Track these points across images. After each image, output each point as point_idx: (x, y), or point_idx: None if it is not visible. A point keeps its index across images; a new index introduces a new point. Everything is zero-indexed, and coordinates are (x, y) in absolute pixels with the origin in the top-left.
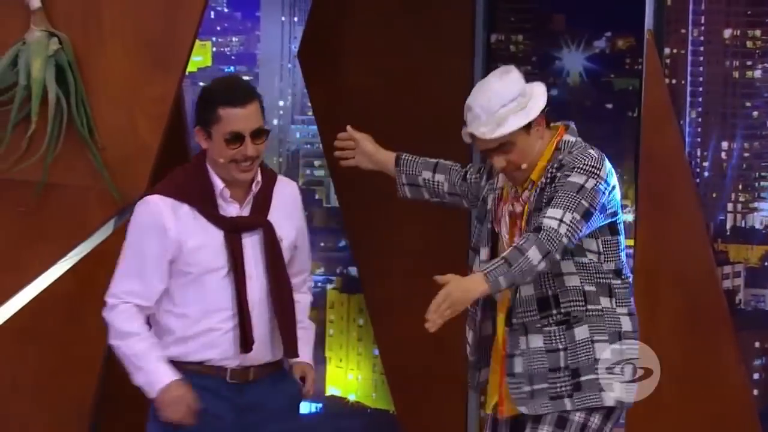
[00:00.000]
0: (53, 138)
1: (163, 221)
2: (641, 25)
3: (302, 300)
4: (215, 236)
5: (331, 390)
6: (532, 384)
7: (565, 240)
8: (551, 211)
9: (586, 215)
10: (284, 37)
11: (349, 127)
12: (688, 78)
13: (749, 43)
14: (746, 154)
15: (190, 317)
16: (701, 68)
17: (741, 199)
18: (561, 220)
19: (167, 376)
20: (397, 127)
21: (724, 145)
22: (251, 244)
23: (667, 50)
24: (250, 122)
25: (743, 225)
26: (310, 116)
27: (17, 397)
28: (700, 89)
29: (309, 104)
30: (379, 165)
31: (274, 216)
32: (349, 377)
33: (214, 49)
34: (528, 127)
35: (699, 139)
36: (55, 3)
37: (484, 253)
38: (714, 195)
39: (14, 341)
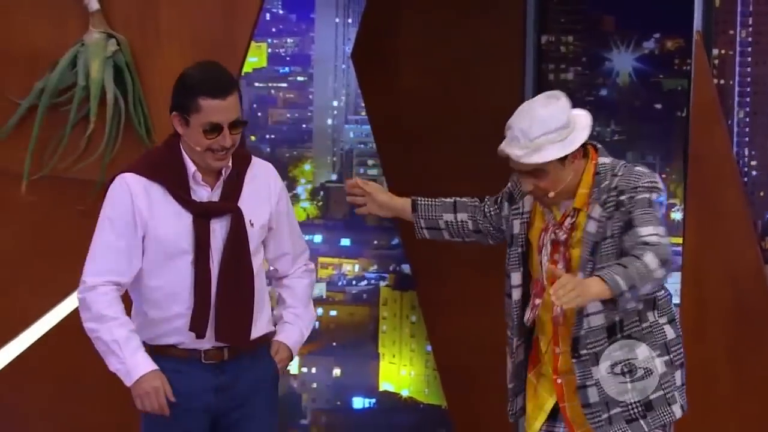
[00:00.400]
0: (111, 137)
1: (134, 198)
2: (690, 27)
3: (295, 285)
4: (184, 219)
5: (384, 385)
6: (609, 410)
7: (669, 251)
8: (643, 230)
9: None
10: (338, 39)
11: (357, 179)
12: (736, 78)
13: None
14: None
15: (159, 301)
16: (749, 69)
17: None
18: (658, 234)
19: (144, 366)
20: (449, 126)
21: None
22: (219, 229)
23: (715, 51)
24: (229, 114)
25: None
26: (363, 116)
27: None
28: (748, 89)
29: (362, 104)
30: (395, 212)
31: (245, 200)
32: (402, 373)
33: (270, 50)
34: (564, 159)
35: (747, 139)
36: (113, 5)
37: (516, 277)
38: (762, 194)
39: (76, 338)
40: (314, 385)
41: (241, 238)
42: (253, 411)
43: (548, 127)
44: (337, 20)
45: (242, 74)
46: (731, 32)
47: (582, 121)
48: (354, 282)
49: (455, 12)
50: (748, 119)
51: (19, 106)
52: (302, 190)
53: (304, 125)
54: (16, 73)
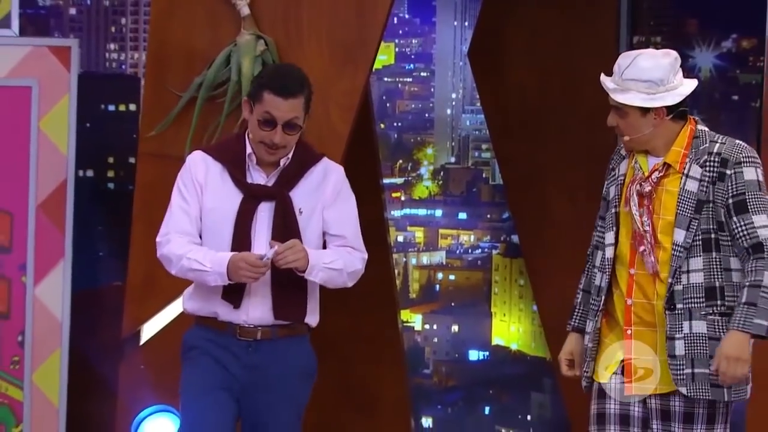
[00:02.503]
0: None
1: (194, 170)
2: (764, 28)
3: (335, 249)
4: (234, 197)
5: (496, 340)
6: (693, 367)
7: None
8: (758, 219)
9: None
10: (456, 39)
11: (568, 374)
12: None
13: None
14: None
15: None
16: None
17: None
18: (765, 225)
19: (223, 259)
20: (551, 116)
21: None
22: (267, 212)
23: None
24: (285, 113)
25: None
26: (478, 107)
27: None
28: None
29: (477, 96)
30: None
31: (299, 190)
32: (512, 329)
33: (397, 49)
34: (645, 111)
35: None
36: (261, 10)
37: (610, 236)
38: None
39: None
40: (435, 340)
41: (288, 222)
42: (279, 405)
43: (640, 76)
44: (455, 23)
45: (373, 70)
46: None
47: (681, 88)
48: (470, 250)
49: (557, 15)
50: None
51: (180, 99)
52: (425, 170)
53: (426, 114)
54: (177, 69)
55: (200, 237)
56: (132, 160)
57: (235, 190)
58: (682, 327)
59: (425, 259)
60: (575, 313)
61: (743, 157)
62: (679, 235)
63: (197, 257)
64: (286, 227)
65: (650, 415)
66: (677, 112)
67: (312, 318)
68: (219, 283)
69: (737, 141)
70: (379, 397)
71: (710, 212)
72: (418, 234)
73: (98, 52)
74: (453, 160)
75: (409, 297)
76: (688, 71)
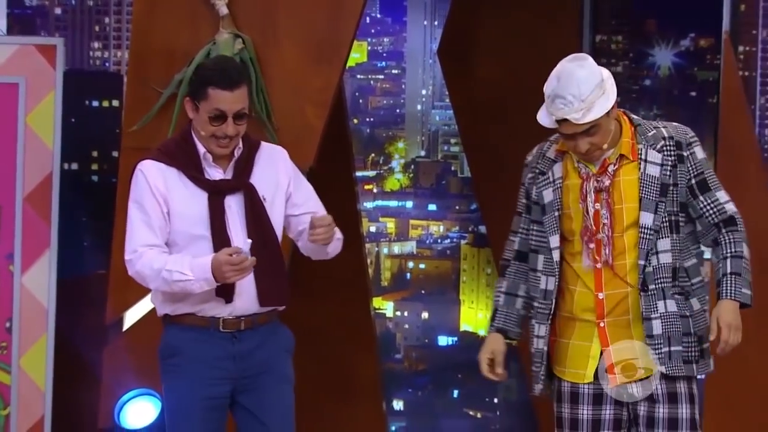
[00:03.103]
0: None
1: (155, 182)
2: (719, 28)
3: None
4: (200, 198)
5: (464, 326)
6: (670, 346)
7: None
8: (721, 195)
9: None
10: (426, 38)
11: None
12: (758, 70)
13: None
14: None
15: None
16: None
17: None
18: (730, 199)
19: (205, 263)
20: (517, 111)
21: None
22: (235, 205)
23: (740, 48)
24: (234, 104)
25: None
26: (447, 103)
27: None
28: None
29: (446, 93)
30: (504, 349)
31: (256, 178)
32: (479, 316)
33: (369, 47)
34: (608, 112)
35: (767, 121)
36: (239, 10)
37: (555, 239)
38: None
39: None
40: (406, 326)
41: (257, 210)
42: (268, 382)
43: (592, 84)
44: (425, 23)
45: (346, 68)
46: (754, 32)
47: (605, 72)
48: (439, 240)
49: (524, 15)
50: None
51: (161, 95)
52: (396, 164)
53: (397, 110)
54: (158, 67)
55: (167, 245)
56: (115, 153)
57: (198, 191)
58: (657, 307)
59: (396, 248)
60: (498, 315)
61: (691, 138)
62: (647, 218)
63: (177, 268)
64: (256, 217)
65: (635, 411)
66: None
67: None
68: (206, 288)
69: (677, 124)
70: (353, 381)
71: (674, 195)
72: (390, 225)
73: (83, 50)
74: (423, 153)
75: (381, 285)
76: (648, 69)
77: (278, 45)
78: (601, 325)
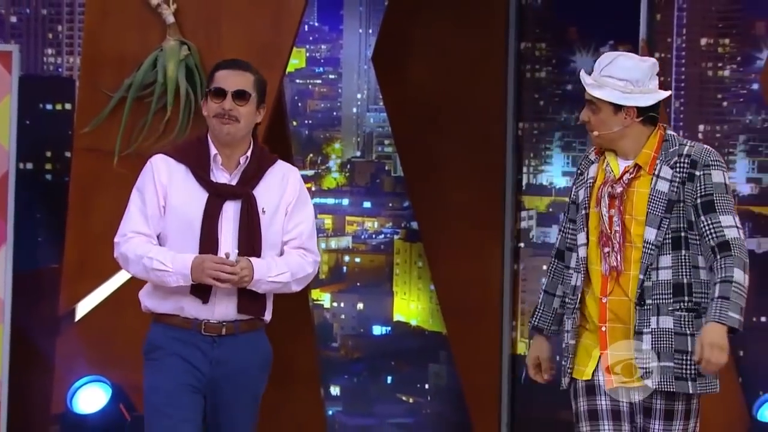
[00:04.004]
0: (183, 123)
1: (159, 175)
2: (637, 35)
3: (288, 253)
4: (200, 196)
5: (397, 317)
6: (659, 361)
7: (745, 244)
8: (725, 219)
9: None
10: (361, 45)
11: (536, 378)
12: (673, 76)
13: (720, 49)
14: (717, 135)
15: None
16: (683, 68)
17: None
18: (737, 226)
19: (186, 259)
20: (448, 114)
21: (701, 127)
22: (232, 211)
23: (656, 54)
24: (234, 83)
25: None
26: (381, 106)
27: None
28: (683, 84)
29: (380, 96)
30: (549, 347)
31: (261, 190)
32: (411, 307)
33: (307, 54)
34: (618, 109)
35: (681, 123)
36: (185, 18)
37: (582, 237)
38: None
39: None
40: (342, 316)
41: (252, 219)
42: (240, 396)
43: (618, 74)
44: (360, 31)
45: (286, 73)
46: (669, 40)
47: (655, 93)
48: (373, 236)
49: (452, 24)
50: (682, 108)
51: (112, 98)
52: (333, 164)
53: (334, 113)
54: (109, 72)
55: (157, 239)
56: (68, 154)
57: (200, 190)
58: (649, 322)
59: (333, 243)
60: (536, 313)
61: (711, 160)
62: (650, 234)
63: (159, 257)
64: (250, 227)
65: (634, 409)
66: (647, 117)
67: (268, 314)
68: (181, 283)
69: (706, 145)
70: (292, 368)
71: (680, 212)
72: (327, 221)
73: (37, 56)
74: (358, 154)
75: (319, 278)
76: (570, 74)
77: (222, 52)
78: (603, 329)
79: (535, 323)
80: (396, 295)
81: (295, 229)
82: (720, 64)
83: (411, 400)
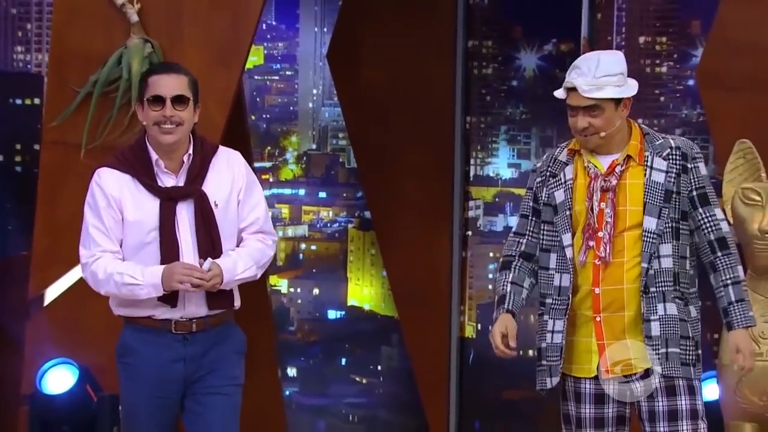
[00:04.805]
0: None
1: (109, 188)
2: (578, 34)
3: (247, 241)
4: (152, 204)
5: (351, 301)
6: (667, 347)
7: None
8: (718, 212)
9: None
10: (317, 43)
11: (500, 348)
12: None
13: (657, 47)
14: (655, 128)
15: None
16: None
17: None
18: (726, 219)
19: (156, 270)
20: (399, 108)
21: (640, 121)
22: (186, 211)
23: None
24: (171, 88)
25: None
26: (335, 101)
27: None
28: None
29: (335, 92)
30: (515, 326)
31: (210, 184)
32: (365, 292)
33: (265, 51)
34: (618, 103)
35: None
36: (148, 17)
37: (567, 238)
38: None
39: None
40: (299, 301)
41: (207, 217)
42: (218, 387)
43: (611, 70)
44: (316, 29)
45: (245, 70)
46: (609, 38)
47: (632, 81)
48: (329, 224)
49: (403, 23)
50: None
51: (78, 94)
52: (290, 156)
53: (291, 108)
54: (75, 68)
55: (122, 245)
56: (36, 147)
57: (150, 197)
58: (656, 309)
59: (290, 231)
60: (506, 300)
61: (696, 153)
62: (651, 223)
63: (129, 272)
64: (206, 224)
65: (624, 413)
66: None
67: (237, 301)
68: (152, 294)
69: (681, 137)
70: (251, 351)
71: (677, 202)
72: (284, 210)
73: (6, 53)
74: (314, 146)
75: (276, 264)
76: (515, 71)
77: (184, 49)
78: (597, 319)
79: (508, 308)
80: (350, 281)
81: (251, 214)
82: (657, 61)
83: (364, 381)
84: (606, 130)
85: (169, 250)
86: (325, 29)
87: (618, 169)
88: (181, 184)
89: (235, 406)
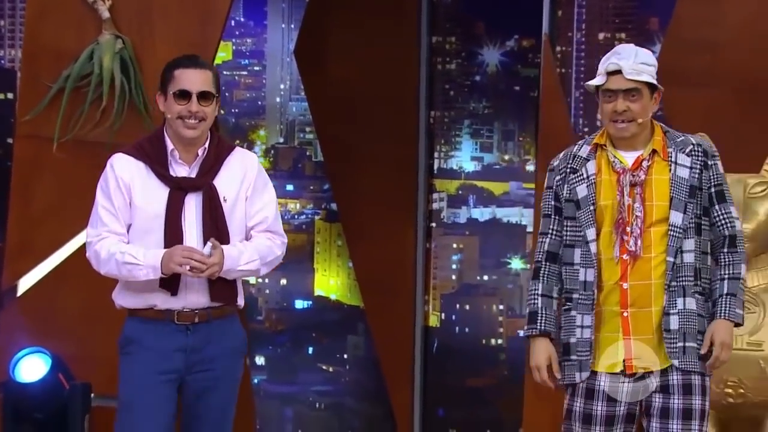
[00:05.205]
0: (118, 111)
1: (121, 172)
2: (540, 30)
3: (255, 238)
4: (162, 192)
5: (318, 291)
6: (684, 341)
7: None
8: (733, 210)
9: None
10: (284, 39)
11: (549, 382)
12: (573, 68)
13: (617, 43)
14: None
15: None
16: (582, 61)
17: None
18: (737, 217)
19: (157, 254)
20: (365, 101)
21: (599, 116)
22: (194, 203)
23: (558, 48)
24: (198, 83)
25: None
26: (302, 96)
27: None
28: (582, 76)
29: (302, 87)
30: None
31: (221, 179)
32: (331, 282)
33: (234, 47)
34: (652, 92)
35: (581, 112)
36: (119, 14)
37: (591, 233)
38: None
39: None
40: (267, 291)
41: (215, 210)
42: (216, 382)
43: (648, 60)
44: (283, 26)
45: (214, 65)
46: (570, 34)
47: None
48: (296, 216)
49: (369, 20)
50: (581, 98)
51: (51, 89)
52: (258, 149)
53: (259, 102)
54: (48, 64)
55: (129, 229)
56: (10, 140)
57: (161, 185)
58: (676, 303)
59: None
60: (540, 317)
61: (714, 151)
62: (677, 217)
63: (131, 252)
64: (213, 216)
65: (652, 392)
66: None
67: (241, 299)
68: (151, 276)
69: (698, 135)
70: None
71: (699, 198)
72: None
73: None
74: (282, 140)
75: None
76: (478, 66)
77: (154, 45)
78: (625, 314)
79: (543, 328)
80: (317, 271)
81: (258, 213)
82: None
83: (331, 369)
84: (642, 117)
85: (172, 238)
86: (292, 26)
87: (645, 163)
88: (194, 175)
89: (229, 405)
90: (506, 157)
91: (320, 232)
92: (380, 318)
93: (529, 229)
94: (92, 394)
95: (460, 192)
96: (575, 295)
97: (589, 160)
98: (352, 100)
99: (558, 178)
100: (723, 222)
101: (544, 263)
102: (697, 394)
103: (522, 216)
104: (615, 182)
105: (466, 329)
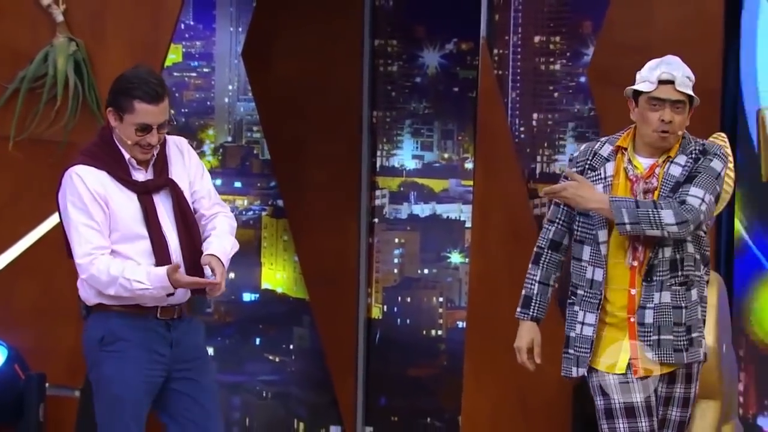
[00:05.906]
0: (72, 111)
1: (95, 186)
2: (478, 34)
3: (217, 222)
4: (132, 199)
5: (265, 285)
6: (659, 334)
7: (702, 217)
8: (694, 190)
9: (717, 198)
10: (232, 42)
11: (528, 364)
12: (510, 70)
13: (551, 46)
14: (549, 122)
15: None
16: (519, 63)
17: (546, 153)
18: (702, 200)
19: (162, 272)
20: (309, 102)
21: (535, 116)
22: (162, 202)
23: (495, 50)
24: (159, 117)
25: (547, 170)
26: (250, 96)
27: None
28: (518, 78)
29: (249, 88)
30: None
31: (173, 172)
32: (277, 276)
33: (184, 50)
34: (690, 108)
35: (517, 112)
36: (73, 17)
37: (603, 234)
38: (527, 150)
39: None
40: None
41: (182, 204)
42: (198, 374)
43: (691, 74)
44: (231, 29)
45: (164, 67)
46: (506, 37)
47: None
48: (244, 212)
49: (314, 23)
50: (518, 98)
51: (7, 89)
52: (207, 148)
53: (208, 102)
54: (3, 65)
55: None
56: None
57: (128, 192)
58: (652, 297)
59: None
60: (533, 303)
61: (717, 149)
62: None
63: (136, 277)
64: (182, 210)
65: (657, 386)
66: None
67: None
68: (163, 294)
69: (710, 141)
70: None
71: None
72: None
73: None
74: (230, 139)
75: None
76: (418, 68)
77: (106, 47)
78: (632, 320)
79: (534, 314)
80: (264, 265)
81: (204, 186)
82: (551, 59)
83: (277, 360)
84: (681, 130)
85: (159, 241)
86: (240, 29)
87: (657, 170)
88: (151, 176)
89: (218, 388)
90: (446, 156)
91: (267, 228)
92: (325, 310)
93: (468, 224)
94: (47, 384)
95: (401, 189)
96: (580, 291)
97: (609, 161)
98: (298, 100)
99: (576, 170)
100: (682, 195)
101: (546, 250)
102: (694, 383)
103: (461, 212)
104: (630, 188)
105: (408, 321)
